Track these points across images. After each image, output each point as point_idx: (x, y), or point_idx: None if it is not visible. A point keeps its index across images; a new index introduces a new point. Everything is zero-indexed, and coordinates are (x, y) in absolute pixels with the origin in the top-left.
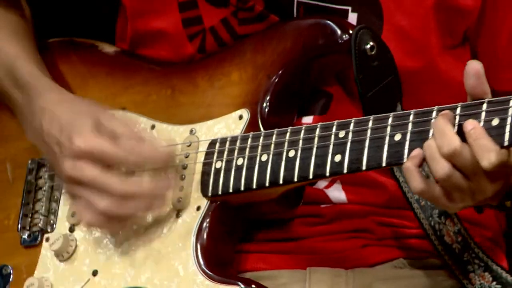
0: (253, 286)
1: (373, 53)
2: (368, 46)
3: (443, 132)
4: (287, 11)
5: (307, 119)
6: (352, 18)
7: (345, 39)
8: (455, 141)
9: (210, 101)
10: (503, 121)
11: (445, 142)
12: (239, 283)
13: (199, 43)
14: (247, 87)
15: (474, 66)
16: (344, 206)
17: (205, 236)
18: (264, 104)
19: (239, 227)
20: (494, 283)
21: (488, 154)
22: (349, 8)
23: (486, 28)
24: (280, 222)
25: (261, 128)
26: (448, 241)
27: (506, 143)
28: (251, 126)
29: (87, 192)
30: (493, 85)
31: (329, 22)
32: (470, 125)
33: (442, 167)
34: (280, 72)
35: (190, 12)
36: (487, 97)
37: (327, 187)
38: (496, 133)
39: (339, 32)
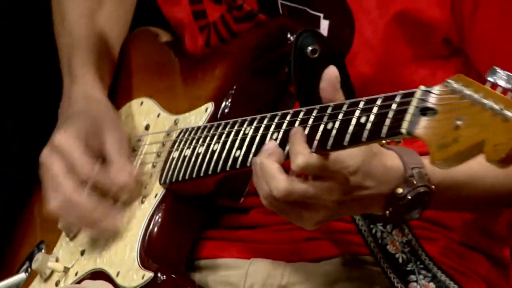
0: (161, 276)
1: (315, 56)
2: (310, 49)
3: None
4: (274, 11)
5: None
6: (324, 25)
7: (291, 40)
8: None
9: (196, 94)
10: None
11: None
12: (154, 271)
13: (205, 37)
14: (220, 82)
15: (329, 71)
16: None
17: (154, 224)
18: (226, 99)
19: (194, 218)
20: None
21: (296, 157)
22: (321, 15)
23: (468, 40)
24: (240, 211)
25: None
26: (392, 251)
27: (313, 149)
28: (212, 119)
29: (48, 184)
30: None
31: (281, 23)
32: (293, 130)
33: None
34: (238, 69)
35: (197, 6)
36: None
37: None
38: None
39: (288, 34)
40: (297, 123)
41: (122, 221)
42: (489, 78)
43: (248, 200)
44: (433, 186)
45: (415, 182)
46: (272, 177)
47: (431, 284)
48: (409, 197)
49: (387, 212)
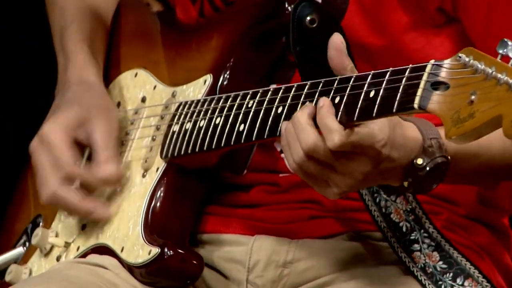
0: (168, 251)
1: (313, 26)
2: (308, 19)
3: (302, 127)
4: None
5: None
6: None
7: (289, 10)
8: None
9: (193, 65)
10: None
11: (303, 136)
12: (160, 246)
13: (199, 7)
14: (218, 53)
15: (334, 38)
16: (298, 177)
17: (157, 198)
18: (225, 71)
19: (196, 191)
20: (441, 262)
21: (331, 135)
22: None
23: (462, 9)
24: (242, 188)
25: (217, 93)
26: (396, 219)
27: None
28: (211, 91)
29: (38, 176)
30: None
31: None
32: (321, 102)
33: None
34: (237, 40)
35: None
36: (347, 73)
37: None
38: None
39: (285, 4)
40: (302, 97)
41: (110, 212)
42: (500, 51)
43: (249, 176)
44: (449, 157)
45: (434, 153)
46: (302, 129)
47: (435, 253)
48: (428, 168)
49: (406, 183)
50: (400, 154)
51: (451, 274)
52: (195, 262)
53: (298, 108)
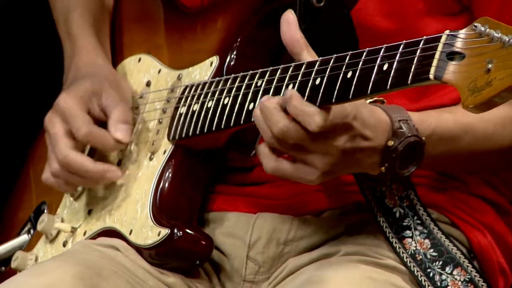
0: (178, 232)
1: (320, 5)
2: None
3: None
4: None
5: None
6: None
7: None
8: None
9: (198, 47)
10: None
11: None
12: (169, 227)
13: None
14: (224, 34)
15: (286, 15)
16: None
17: (165, 180)
18: (231, 52)
19: (204, 172)
20: (431, 250)
21: (312, 118)
22: None
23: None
24: (247, 168)
25: (224, 75)
26: (389, 204)
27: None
28: (218, 72)
29: (49, 146)
30: None
31: None
32: (288, 93)
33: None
34: (244, 20)
35: None
36: (300, 45)
37: None
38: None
39: None
40: (313, 74)
41: (121, 174)
42: None
43: (252, 159)
44: (423, 138)
45: (404, 133)
46: (271, 114)
47: (426, 240)
48: (401, 148)
49: (383, 168)
50: (373, 133)
51: (441, 263)
52: (204, 242)
53: (309, 86)
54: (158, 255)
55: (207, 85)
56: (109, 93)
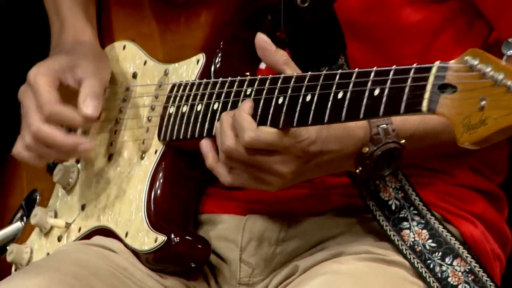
0: (175, 238)
1: (305, 5)
2: None
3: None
4: None
5: (262, 65)
6: None
7: None
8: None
9: (183, 42)
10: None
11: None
12: (166, 234)
13: None
14: (208, 31)
15: (258, 39)
16: None
17: (157, 181)
18: (218, 51)
19: (196, 173)
20: (430, 241)
21: (242, 133)
22: None
23: None
24: None
25: (211, 75)
26: (385, 197)
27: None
28: (205, 72)
29: (24, 115)
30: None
31: None
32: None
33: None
34: (229, 19)
35: None
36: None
37: None
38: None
39: None
40: (303, 89)
41: (93, 145)
42: (505, 51)
43: None
44: (403, 141)
45: (381, 140)
46: (223, 131)
47: (424, 231)
48: (377, 155)
49: (358, 170)
50: (341, 145)
51: (440, 253)
52: (201, 247)
53: (300, 100)
54: (155, 261)
55: (195, 86)
56: (84, 65)
